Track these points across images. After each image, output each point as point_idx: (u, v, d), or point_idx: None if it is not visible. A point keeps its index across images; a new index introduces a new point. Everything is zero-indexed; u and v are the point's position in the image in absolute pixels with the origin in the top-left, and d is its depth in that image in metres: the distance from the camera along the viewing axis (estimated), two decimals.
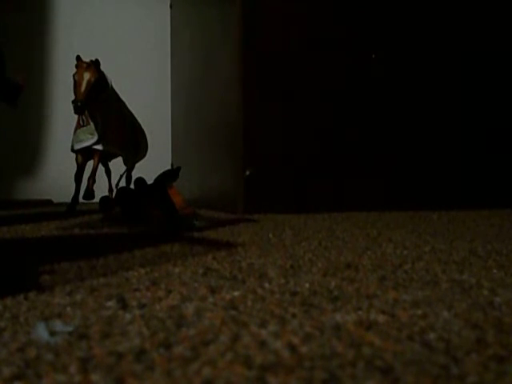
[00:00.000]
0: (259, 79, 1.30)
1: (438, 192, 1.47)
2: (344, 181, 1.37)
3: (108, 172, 1.50)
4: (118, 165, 1.47)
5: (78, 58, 1.11)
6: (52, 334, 0.28)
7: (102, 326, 0.29)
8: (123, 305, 0.34)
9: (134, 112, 1.40)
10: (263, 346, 0.26)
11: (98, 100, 1.13)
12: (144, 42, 2.17)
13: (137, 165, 1.43)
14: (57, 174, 2.00)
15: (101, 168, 1.34)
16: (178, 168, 1.03)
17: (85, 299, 0.36)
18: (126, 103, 1.36)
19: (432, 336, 0.28)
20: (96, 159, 1.19)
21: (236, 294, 0.38)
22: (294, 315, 0.32)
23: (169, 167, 2.01)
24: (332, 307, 0.34)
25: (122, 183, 1.33)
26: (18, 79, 1.06)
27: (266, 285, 0.41)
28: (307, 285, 0.41)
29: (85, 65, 1.09)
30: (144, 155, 1.44)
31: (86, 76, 1.08)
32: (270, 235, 0.78)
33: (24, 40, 2.03)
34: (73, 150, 1.21)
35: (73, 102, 1.06)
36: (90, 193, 1.14)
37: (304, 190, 1.33)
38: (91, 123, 1.16)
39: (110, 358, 0.24)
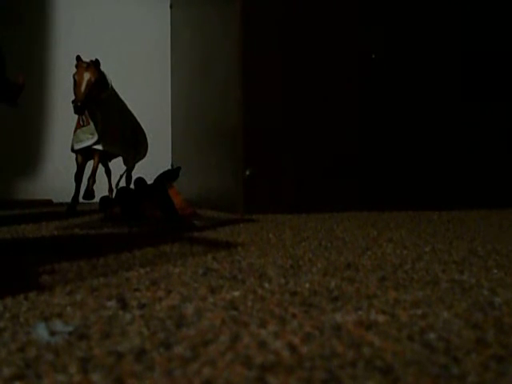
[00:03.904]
0: (259, 79, 1.30)
1: (438, 192, 1.47)
2: (344, 181, 1.37)
3: (108, 172, 1.50)
4: (118, 165, 1.47)
5: (78, 58, 1.11)
6: (52, 333, 0.28)
7: (101, 326, 0.29)
8: (123, 305, 0.34)
9: (134, 112, 1.40)
10: (263, 346, 0.26)
11: (98, 100, 1.13)
12: (144, 41, 2.17)
13: (137, 165, 1.43)
14: (57, 174, 2.00)
15: (101, 168, 1.34)
16: (178, 168, 1.03)
17: (85, 299, 0.36)
18: (126, 103, 1.36)
19: (432, 336, 0.28)
20: (96, 159, 1.19)
21: (236, 293, 0.38)
22: (294, 315, 0.32)
23: (169, 167, 2.01)
24: (332, 307, 0.34)
25: (122, 183, 1.33)
26: (18, 79, 1.06)
27: (266, 285, 0.41)
28: (307, 285, 0.41)
29: (85, 65, 1.09)
30: (144, 155, 1.44)
31: (86, 76, 1.08)
32: (270, 235, 0.78)
33: (24, 40, 2.03)
34: (73, 150, 1.21)
35: (73, 101, 1.06)
36: (90, 193, 1.14)
37: (304, 190, 1.33)
38: (91, 123, 1.16)
39: (110, 357, 0.24)
